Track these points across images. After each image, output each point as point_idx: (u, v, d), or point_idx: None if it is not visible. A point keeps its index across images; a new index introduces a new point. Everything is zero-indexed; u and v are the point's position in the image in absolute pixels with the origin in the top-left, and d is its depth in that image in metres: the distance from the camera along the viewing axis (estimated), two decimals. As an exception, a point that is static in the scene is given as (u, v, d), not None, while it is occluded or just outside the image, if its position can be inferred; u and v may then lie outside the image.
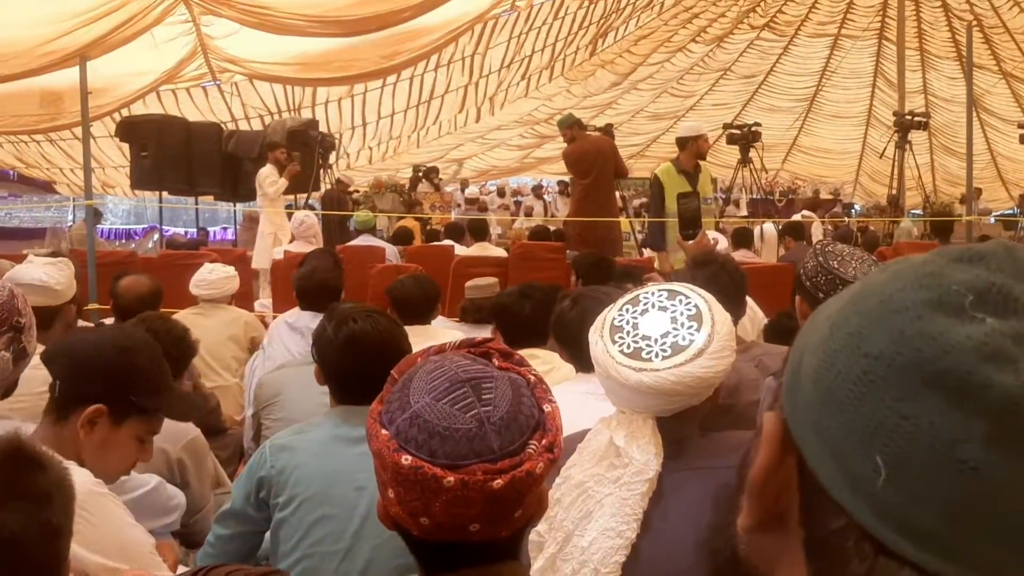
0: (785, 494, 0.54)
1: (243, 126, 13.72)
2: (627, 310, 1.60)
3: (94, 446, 1.83)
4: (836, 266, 2.43)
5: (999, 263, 0.49)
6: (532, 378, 1.18)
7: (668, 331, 1.54)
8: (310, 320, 3.86)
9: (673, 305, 1.57)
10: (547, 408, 1.14)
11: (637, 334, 1.56)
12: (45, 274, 3.49)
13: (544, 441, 1.11)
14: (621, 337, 1.57)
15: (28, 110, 11.85)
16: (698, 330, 1.54)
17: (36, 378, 2.15)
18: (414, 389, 1.11)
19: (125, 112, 12.08)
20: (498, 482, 1.05)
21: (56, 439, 1.80)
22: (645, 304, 1.59)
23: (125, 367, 1.84)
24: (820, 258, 2.45)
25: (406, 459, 1.06)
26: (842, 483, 0.49)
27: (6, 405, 2.25)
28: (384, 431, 1.10)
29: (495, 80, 17.15)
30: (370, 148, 18.00)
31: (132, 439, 1.89)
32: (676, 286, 1.62)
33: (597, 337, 1.62)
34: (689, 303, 1.58)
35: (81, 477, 1.73)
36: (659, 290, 1.62)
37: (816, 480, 0.50)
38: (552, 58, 17.67)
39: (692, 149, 6.58)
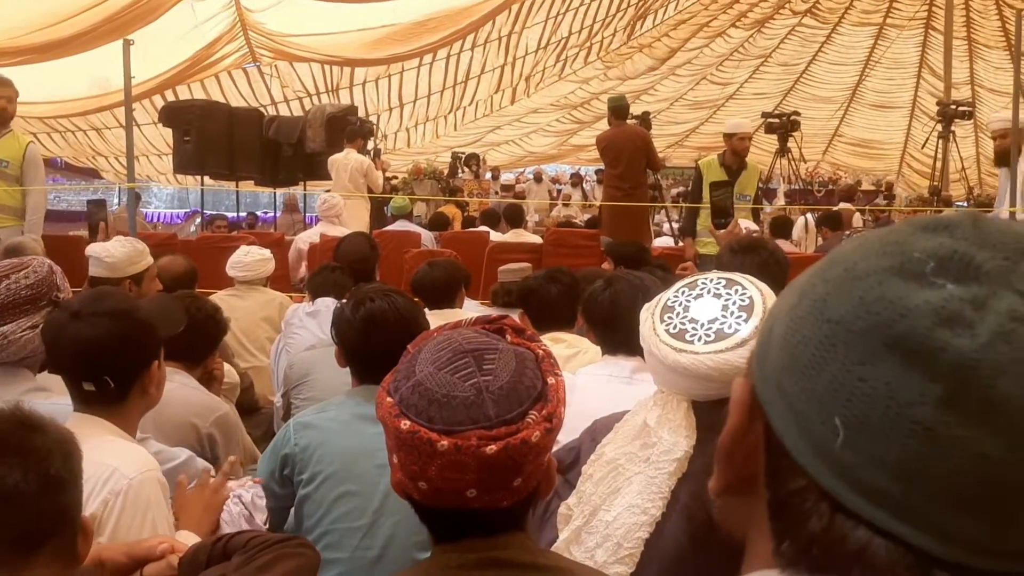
0: (753, 458, 0.56)
1: (282, 108, 13.81)
2: (682, 292, 1.60)
3: (157, 390, 1.95)
4: None
5: (964, 232, 0.50)
6: (541, 352, 1.20)
7: (716, 317, 1.54)
8: (330, 303, 3.95)
9: (728, 293, 1.56)
10: (551, 380, 1.16)
11: (686, 316, 1.56)
12: (104, 248, 3.71)
13: (544, 411, 1.12)
14: (670, 317, 1.57)
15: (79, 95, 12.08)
16: (746, 321, 1.52)
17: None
18: (420, 360, 1.15)
19: (169, 95, 12.21)
20: (492, 448, 1.08)
21: (124, 421, 1.88)
22: (701, 289, 1.59)
23: (144, 326, 1.93)
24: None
25: (405, 424, 1.10)
26: (803, 445, 0.50)
27: (44, 376, 2.31)
28: (389, 399, 1.14)
29: (531, 61, 17.04)
30: (407, 129, 18.00)
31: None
32: (736, 276, 1.61)
33: (648, 314, 1.62)
34: (745, 294, 1.56)
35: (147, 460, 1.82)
36: (719, 277, 1.61)
37: (780, 443, 0.52)
38: (588, 38, 17.47)
39: (729, 145, 6.68)
